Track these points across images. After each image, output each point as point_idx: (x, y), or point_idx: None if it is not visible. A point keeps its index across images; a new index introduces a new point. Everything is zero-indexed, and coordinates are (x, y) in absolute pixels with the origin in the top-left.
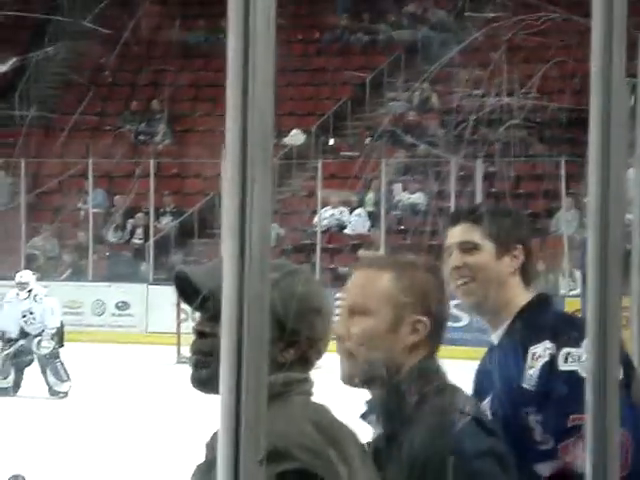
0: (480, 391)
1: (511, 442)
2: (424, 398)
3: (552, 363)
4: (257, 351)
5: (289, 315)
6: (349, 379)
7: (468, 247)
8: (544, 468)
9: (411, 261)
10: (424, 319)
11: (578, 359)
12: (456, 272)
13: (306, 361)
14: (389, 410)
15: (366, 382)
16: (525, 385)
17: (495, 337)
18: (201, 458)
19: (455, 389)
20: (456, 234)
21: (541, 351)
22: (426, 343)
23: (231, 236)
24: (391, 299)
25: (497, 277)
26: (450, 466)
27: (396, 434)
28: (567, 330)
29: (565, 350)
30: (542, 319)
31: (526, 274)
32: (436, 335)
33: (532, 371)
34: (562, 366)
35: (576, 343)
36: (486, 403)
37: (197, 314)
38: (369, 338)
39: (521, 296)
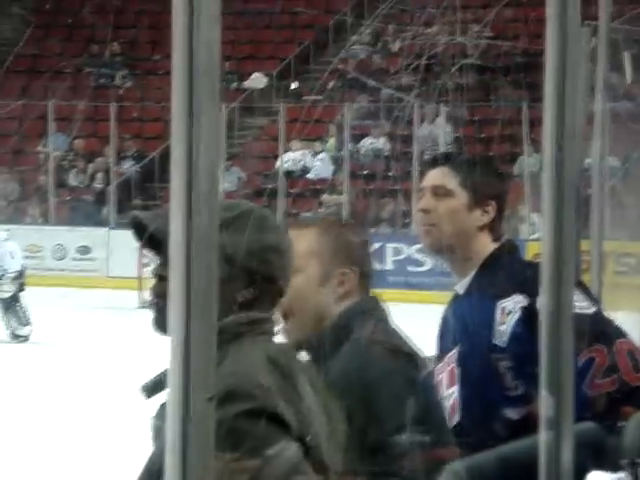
0: (446, 340)
1: (481, 389)
2: (347, 338)
3: (529, 317)
4: (206, 290)
5: (243, 253)
6: (290, 340)
7: (440, 192)
8: (513, 412)
9: (334, 219)
10: (350, 270)
11: None
12: (423, 216)
13: (266, 300)
14: (321, 354)
15: (304, 341)
16: (496, 342)
17: (460, 287)
18: (164, 398)
19: (385, 330)
20: (431, 177)
21: (511, 306)
22: (354, 293)
23: (178, 172)
24: (316, 255)
25: (464, 229)
26: (360, 389)
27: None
28: (537, 277)
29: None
30: (508, 270)
31: (496, 230)
32: (363, 285)
33: (503, 327)
34: None
35: None
36: (452, 354)
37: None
38: (300, 294)
39: (487, 248)
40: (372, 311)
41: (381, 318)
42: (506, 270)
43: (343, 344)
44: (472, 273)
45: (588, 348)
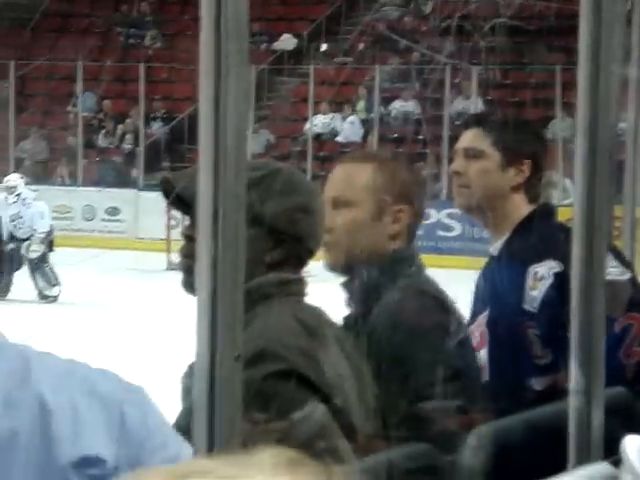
0: (479, 302)
1: (508, 354)
2: (393, 281)
3: (562, 283)
4: (233, 249)
5: (271, 213)
6: (333, 266)
7: (471, 154)
8: (538, 382)
9: (391, 156)
10: (405, 208)
11: None
12: (456, 177)
13: (296, 261)
14: (365, 292)
15: (348, 269)
16: (526, 306)
17: (494, 248)
18: (192, 359)
19: (424, 276)
20: (463, 139)
21: (544, 271)
22: (405, 232)
23: (206, 130)
24: (373, 190)
25: (496, 189)
26: (402, 337)
27: (367, 313)
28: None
29: None
30: (543, 233)
31: (532, 190)
32: (414, 225)
33: (535, 293)
34: None
35: None
36: (483, 317)
37: (186, 219)
38: (354, 228)
39: (523, 210)
40: (416, 258)
41: (421, 266)
42: (540, 234)
43: (387, 287)
44: (506, 235)
45: (625, 315)
